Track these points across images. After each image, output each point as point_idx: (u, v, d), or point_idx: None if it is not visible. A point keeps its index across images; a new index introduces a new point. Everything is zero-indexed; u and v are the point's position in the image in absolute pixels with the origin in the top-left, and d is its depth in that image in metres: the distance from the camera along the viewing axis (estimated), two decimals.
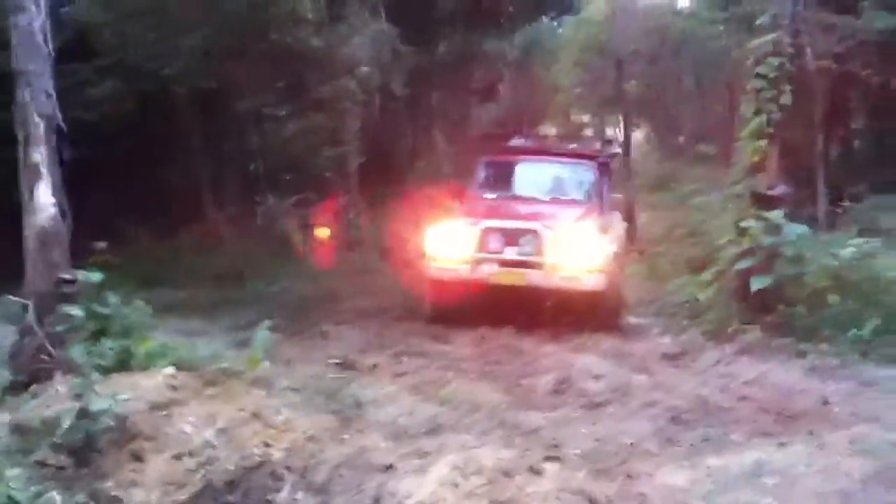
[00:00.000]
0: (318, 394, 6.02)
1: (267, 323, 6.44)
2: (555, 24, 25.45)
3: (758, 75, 9.39)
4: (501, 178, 10.45)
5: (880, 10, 13.18)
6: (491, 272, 8.77)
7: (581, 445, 5.43)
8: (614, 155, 12.49)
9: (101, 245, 5.92)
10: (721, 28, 20.89)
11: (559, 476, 4.61)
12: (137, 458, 4.61)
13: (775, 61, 9.26)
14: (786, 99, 9.27)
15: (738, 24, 15.66)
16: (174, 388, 5.28)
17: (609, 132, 26.61)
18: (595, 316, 8.72)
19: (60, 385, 5.06)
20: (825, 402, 6.36)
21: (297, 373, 6.58)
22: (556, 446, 5.42)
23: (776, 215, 8.56)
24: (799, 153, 14.02)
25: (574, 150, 11.29)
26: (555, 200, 9.97)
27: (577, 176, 10.38)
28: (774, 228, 8.51)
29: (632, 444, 5.53)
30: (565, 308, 8.76)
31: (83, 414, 4.55)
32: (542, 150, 11.21)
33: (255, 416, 5.15)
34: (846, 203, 11.84)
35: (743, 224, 8.81)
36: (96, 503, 4.32)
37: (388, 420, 5.78)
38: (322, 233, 12.21)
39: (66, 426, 4.53)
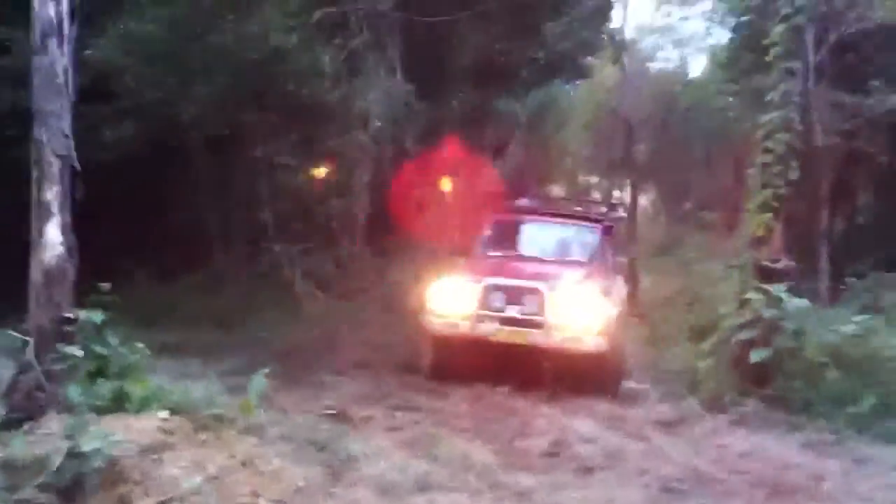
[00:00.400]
0: (310, 444, 6.01)
1: (263, 370, 6.44)
2: (567, 87, 25.75)
3: (766, 150, 9.50)
4: (507, 237, 10.55)
5: (890, 89, 13.34)
6: (492, 330, 8.75)
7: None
8: (620, 218, 12.47)
9: (105, 286, 5.95)
10: (731, 100, 21.12)
11: None
12: (124, 501, 4.60)
13: (784, 137, 9.37)
14: (793, 175, 9.36)
15: (748, 97, 15.82)
16: (167, 431, 5.28)
17: (616, 195, 26.77)
18: (595, 379, 8.68)
19: (54, 423, 5.08)
20: (819, 479, 6.33)
21: (291, 422, 6.57)
22: None
23: (778, 288, 8.59)
24: (803, 227, 14.07)
25: (579, 212, 11.43)
26: (559, 261, 10.05)
27: (582, 237, 10.48)
28: (776, 301, 8.54)
29: None
30: (565, 370, 8.69)
31: (74, 454, 4.56)
32: (548, 211, 11.29)
33: (246, 464, 5.15)
34: (849, 279, 11.85)
35: (745, 295, 8.85)
36: None
37: (378, 475, 5.76)
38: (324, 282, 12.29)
39: (56, 465, 4.54)
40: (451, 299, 8.95)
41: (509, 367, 8.81)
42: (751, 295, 8.73)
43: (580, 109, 27.58)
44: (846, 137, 14.38)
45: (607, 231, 10.70)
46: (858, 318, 9.53)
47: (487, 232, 10.61)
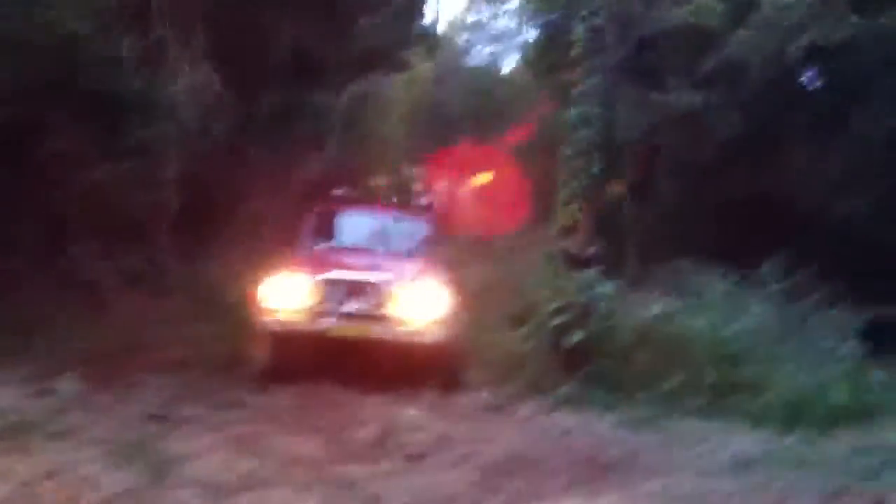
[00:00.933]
0: (128, 446, 5.69)
1: (72, 371, 6.06)
2: (385, 80, 25.80)
3: (571, 144, 9.90)
4: (332, 229, 10.38)
5: (685, 88, 14.24)
6: (331, 325, 8.49)
7: (401, 498, 5.41)
8: (441, 209, 12.52)
9: None
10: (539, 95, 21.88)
11: None
12: None
13: (586, 133, 9.80)
14: (596, 168, 9.81)
15: (557, 94, 16.44)
16: None
17: (439, 186, 27.09)
18: (437, 371, 8.59)
19: None
20: (635, 453, 6.65)
21: (106, 424, 6.21)
22: (375, 500, 5.37)
23: (590, 274, 8.97)
24: (611, 216, 14.78)
25: (404, 204, 11.35)
26: (390, 254, 9.92)
27: (409, 229, 10.42)
28: (588, 286, 8.92)
29: (451, 495, 5.56)
30: (406, 364, 8.60)
31: None
32: (373, 203, 11.20)
33: (58, 470, 4.81)
34: (654, 264, 12.55)
35: (558, 282, 9.19)
36: None
37: (203, 474, 5.55)
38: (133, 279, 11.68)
39: None
40: (286, 295, 8.62)
41: (348, 364, 8.64)
42: (562, 282, 9.07)
43: (399, 102, 27.72)
44: (648, 133, 15.23)
45: (432, 222, 10.72)
46: (663, 301, 10.14)
47: (311, 224, 10.38)
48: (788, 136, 16.60)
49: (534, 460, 6.45)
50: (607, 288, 9.15)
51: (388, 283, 8.64)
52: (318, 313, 8.50)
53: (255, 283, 8.78)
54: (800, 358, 8.90)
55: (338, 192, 11.37)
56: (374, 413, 7.57)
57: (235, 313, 11.60)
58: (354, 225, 10.50)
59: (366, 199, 11.39)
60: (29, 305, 10.65)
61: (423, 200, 11.83)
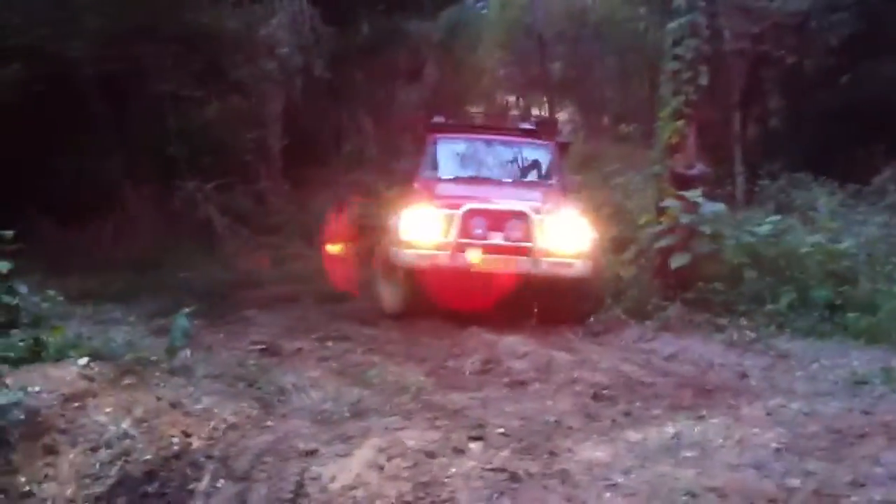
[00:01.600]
0: (239, 381, 5.91)
1: (185, 310, 6.29)
2: (479, 4, 25.45)
3: (675, 57, 9.53)
4: (456, 160, 9.95)
5: None
6: (474, 259, 8.13)
7: (505, 424, 5.45)
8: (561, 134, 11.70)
9: (8, 234, 5.69)
10: (641, 10, 21.16)
11: (483, 455, 4.62)
12: (51, 451, 4.47)
13: (692, 42, 9.41)
14: (703, 80, 9.42)
15: (656, 6, 15.87)
16: (89, 378, 5.13)
17: (535, 113, 26.73)
18: (577, 305, 8.43)
19: None
20: (743, 376, 6.53)
21: (218, 360, 6.46)
22: (480, 426, 5.42)
23: (694, 194, 8.72)
24: (717, 133, 14.30)
25: (532, 131, 10.67)
26: (519, 183, 9.60)
27: (534, 156, 10.00)
28: (693, 207, 8.67)
29: (555, 421, 5.58)
30: (551, 297, 8.45)
31: None
32: (497, 131, 10.60)
33: (174, 405, 5.04)
34: (763, 181, 12.12)
35: (662, 203, 8.96)
36: (7, 499, 4.18)
37: (311, 405, 5.72)
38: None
39: None
40: (424, 229, 8.21)
41: (487, 298, 8.48)
42: (667, 202, 8.84)
43: (494, 28, 27.31)
44: (754, 41, 14.57)
45: (562, 149, 10.30)
46: (772, 218, 9.80)
47: (432, 156, 9.89)
48: None
49: (638, 385, 6.41)
50: (714, 207, 8.86)
51: (534, 213, 8.29)
52: (460, 247, 8.13)
53: (393, 217, 8.48)
54: None
55: (447, 119, 11.09)
56: (477, 342, 7.64)
57: (374, 250, 11.90)
58: (477, 153, 10.01)
59: (492, 125, 10.93)
60: (144, 244, 11.15)
61: (540, 125, 11.26)
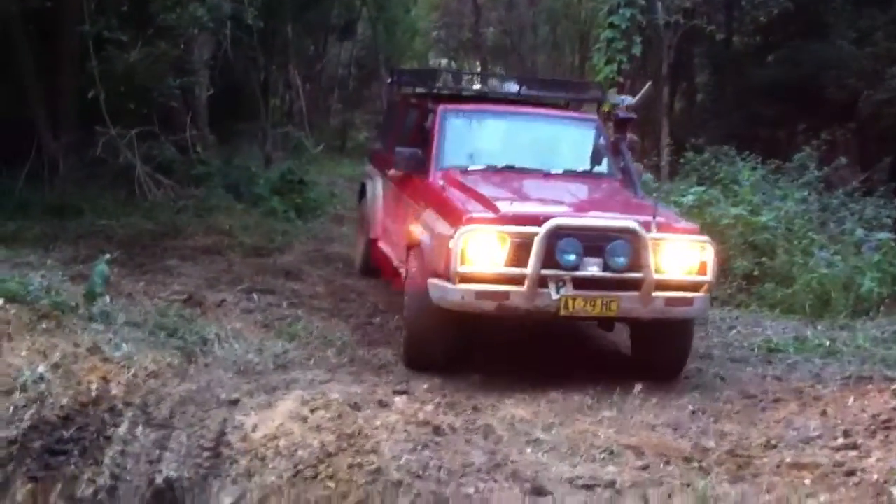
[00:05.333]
0: (160, 329, 5.81)
1: (106, 256, 6.14)
2: None
3: (611, 25, 9.63)
4: (475, 142, 7.16)
5: None
6: (565, 298, 5.45)
7: (429, 380, 5.50)
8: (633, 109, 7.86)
9: None
10: None
11: (407, 409, 4.65)
12: None
13: (628, 12, 9.51)
14: (636, 49, 9.58)
15: None
16: (4, 321, 4.99)
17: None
18: (681, 354, 6.04)
19: None
20: None
21: (139, 309, 6.32)
22: (405, 381, 5.47)
23: None
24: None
25: (573, 99, 8.20)
26: (575, 176, 6.95)
27: (591, 138, 7.24)
28: None
29: (480, 378, 5.65)
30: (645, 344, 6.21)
31: None
32: (531, 101, 7.77)
33: (92, 351, 4.93)
34: (688, 154, 12.34)
35: None
36: None
37: (235, 356, 5.68)
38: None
39: None
40: (489, 254, 5.49)
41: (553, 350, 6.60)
42: None
43: None
44: (685, 15, 14.76)
45: (624, 126, 7.50)
46: (696, 189, 10.02)
47: (441, 135, 6.92)
48: (830, 20, 16.04)
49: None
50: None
51: (646, 228, 5.57)
52: (541, 280, 5.45)
53: (439, 238, 5.68)
54: (832, 247, 8.82)
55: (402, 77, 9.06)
56: (402, 300, 7.63)
57: (264, 205, 11.74)
58: (507, 134, 7.36)
59: (522, 95, 7.77)
60: (67, 191, 10.80)
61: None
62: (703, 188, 10.09)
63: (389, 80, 9.98)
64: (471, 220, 5.52)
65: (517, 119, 7.37)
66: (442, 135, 6.90)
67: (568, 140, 7.38)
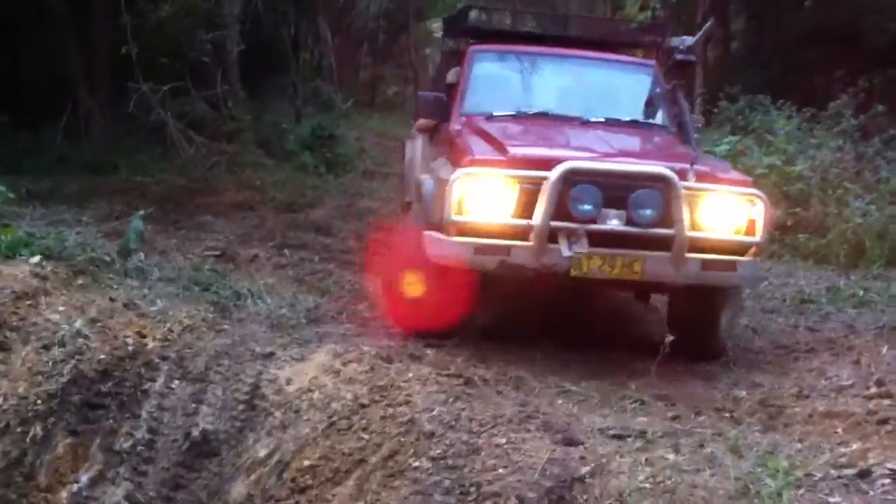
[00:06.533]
0: (194, 285, 5.88)
1: (140, 212, 6.21)
2: None
3: None
4: (512, 87, 6.44)
5: None
6: (577, 256, 4.66)
7: (461, 333, 5.52)
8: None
9: None
10: None
11: (439, 361, 4.68)
12: (2, 347, 4.46)
13: None
14: None
15: None
16: (41, 277, 5.07)
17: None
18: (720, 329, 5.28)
19: None
20: None
21: (173, 264, 6.41)
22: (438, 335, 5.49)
23: None
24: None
25: (630, 41, 7.26)
26: (621, 126, 5.97)
27: (643, 83, 6.28)
28: None
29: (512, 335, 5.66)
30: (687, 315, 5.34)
31: None
32: (575, 42, 6.74)
33: (128, 306, 5.02)
34: (722, 103, 12.14)
35: None
36: None
37: (267, 310, 5.73)
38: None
39: None
40: (490, 201, 4.76)
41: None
42: None
43: None
44: None
45: (680, 71, 6.21)
46: (730, 139, 9.88)
47: (470, 77, 6.22)
48: None
49: None
50: None
51: (682, 177, 4.73)
52: (550, 234, 4.67)
53: (436, 183, 5.20)
54: (866, 196, 8.67)
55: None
56: None
57: (295, 160, 11.77)
58: (554, 78, 6.52)
59: (570, 34, 6.92)
60: (101, 147, 10.93)
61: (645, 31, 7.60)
62: (736, 138, 9.95)
63: (442, 34, 9.30)
64: (473, 163, 4.79)
65: (558, 62, 6.52)
66: (469, 78, 6.21)
67: (616, 86, 6.52)
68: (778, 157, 9.02)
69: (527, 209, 4.67)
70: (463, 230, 4.70)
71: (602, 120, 5.89)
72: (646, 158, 5.33)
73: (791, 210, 8.46)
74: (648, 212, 4.70)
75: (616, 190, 4.70)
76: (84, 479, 4.10)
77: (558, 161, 4.65)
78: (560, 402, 4.34)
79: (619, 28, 8.59)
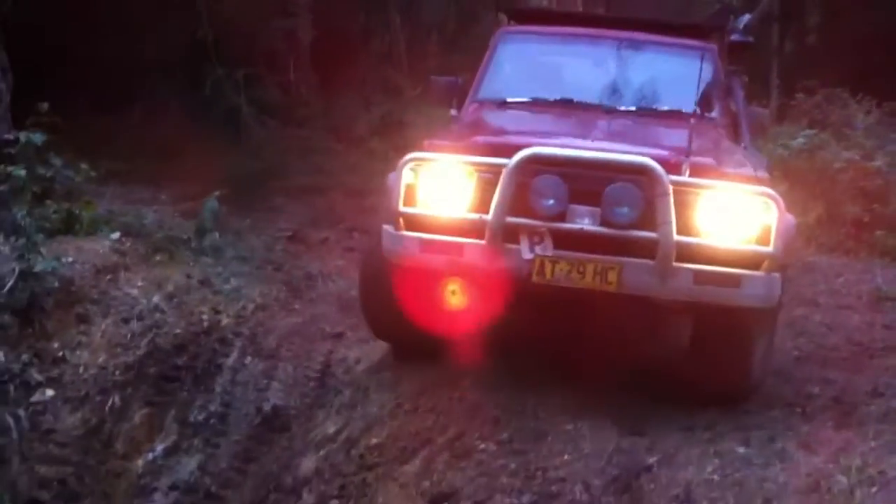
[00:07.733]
0: (267, 264, 6.01)
1: (215, 193, 6.35)
2: None
3: None
4: (540, 72, 5.59)
5: None
6: (541, 259, 3.91)
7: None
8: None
9: (44, 106, 5.71)
10: None
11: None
12: (83, 320, 4.60)
13: None
14: None
15: None
16: (121, 253, 5.23)
17: None
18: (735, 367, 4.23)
19: (3, 246, 4.97)
20: None
21: (246, 244, 6.54)
22: None
23: None
24: (756, 46, 14.00)
25: (678, 23, 6.07)
26: (652, 114, 5.06)
27: (689, 69, 4.83)
28: None
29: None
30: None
31: (27, 274, 4.49)
32: (618, 23, 5.83)
33: (204, 283, 5.15)
34: (798, 96, 11.88)
35: None
36: (41, 362, 4.31)
37: (337, 291, 5.80)
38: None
39: (9, 286, 4.48)
40: (442, 193, 4.09)
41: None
42: None
43: None
44: None
45: (736, 55, 5.86)
46: (806, 132, 9.66)
47: (493, 60, 5.45)
48: None
49: None
50: None
51: (666, 169, 3.85)
52: (506, 231, 3.93)
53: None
54: None
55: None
56: None
57: (364, 146, 11.86)
58: (584, 62, 5.63)
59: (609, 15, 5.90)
60: (176, 130, 11.15)
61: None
62: (813, 132, 9.72)
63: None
64: (430, 147, 4.22)
65: (596, 44, 5.59)
66: (492, 61, 5.45)
67: (660, 71, 5.44)
68: (856, 152, 8.79)
69: (486, 203, 3.95)
70: (411, 223, 4.05)
71: (632, 109, 5.07)
72: (638, 147, 4.19)
73: (868, 207, 8.24)
74: (625, 210, 3.87)
75: (589, 183, 3.92)
76: (159, 448, 4.23)
77: (519, 148, 3.93)
78: (626, 393, 4.31)
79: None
